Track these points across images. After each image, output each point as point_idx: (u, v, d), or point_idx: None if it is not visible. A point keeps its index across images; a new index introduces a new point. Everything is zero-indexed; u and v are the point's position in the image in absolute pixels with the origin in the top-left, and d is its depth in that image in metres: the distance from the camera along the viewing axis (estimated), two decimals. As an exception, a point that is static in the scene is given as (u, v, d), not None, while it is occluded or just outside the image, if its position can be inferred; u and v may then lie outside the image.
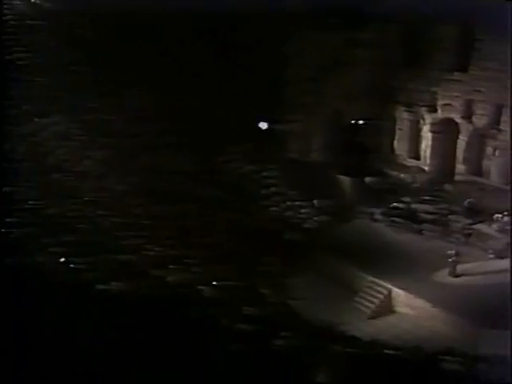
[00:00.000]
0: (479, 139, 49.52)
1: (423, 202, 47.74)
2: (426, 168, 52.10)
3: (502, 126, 47.75)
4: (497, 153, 48.33)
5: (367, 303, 37.48)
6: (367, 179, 50.28)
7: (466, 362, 26.36)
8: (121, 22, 44.48)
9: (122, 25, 44.78)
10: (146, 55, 44.14)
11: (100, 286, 27.11)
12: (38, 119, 43.39)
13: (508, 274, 39.08)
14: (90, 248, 32.21)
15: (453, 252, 39.33)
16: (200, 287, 32.52)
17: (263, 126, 49.84)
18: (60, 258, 29.91)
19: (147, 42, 44.98)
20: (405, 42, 52.52)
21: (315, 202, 46.56)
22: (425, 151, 52.48)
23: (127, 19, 44.44)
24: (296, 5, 47.47)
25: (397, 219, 45.69)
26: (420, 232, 44.54)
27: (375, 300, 37.59)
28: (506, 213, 43.93)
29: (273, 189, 47.11)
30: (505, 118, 47.48)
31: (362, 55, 51.39)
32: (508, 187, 47.28)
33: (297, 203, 46.36)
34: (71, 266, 29.62)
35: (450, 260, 39.11)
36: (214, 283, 33.69)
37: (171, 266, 34.09)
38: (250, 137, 47.65)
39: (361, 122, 53.33)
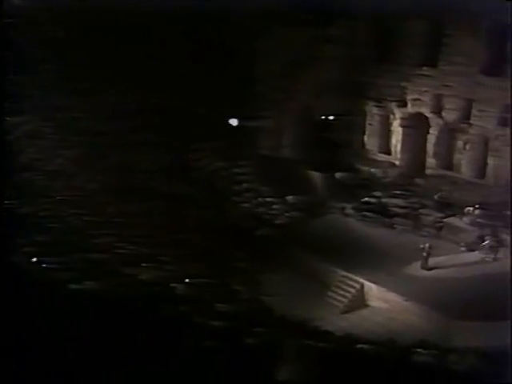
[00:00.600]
0: (449, 133, 49.91)
1: (394, 196, 48.05)
2: (397, 162, 52.41)
3: (472, 120, 48.10)
4: (467, 147, 48.68)
5: (340, 298, 37.57)
6: (338, 174, 50.43)
7: (439, 354, 26.53)
8: (92, 20, 44.19)
9: (92, 22, 44.50)
10: (117, 53, 43.91)
11: (73, 286, 26.98)
12: (9, 118, 43.04)
13: (479, 266, 39.67)
14: (63, 247, 32.01)
15: (425, 245, 39.54)
16: (173, 285, 32.42)
17: (234, 122, 49.78)
18: (32, 257, 29.69)
19: (118, 40, 44.75)
20: (374, 37, 52.73)
21: (287, 197, 46.60)
22: (395, 146, 52.81)
23: (97, 16, 44.17)
24: (266, 1, 47.44)
25: (368, 214, 45.93)
26: (392, 226, 44.81)
27: (348, 294, 37.69)
28: (477, 206, 44.33)
29: (244, 185, 47.08)
30: (475, 112, 47.82)
31: (331, 51, 51.53)
32: (479, 180, 47.77)
33: (268, 199, 46.35)
34: (43, 265, 29.41)
35: (422, 253, 39.32)
36: (187, 281, 33.61)
37: (144, 264, 33.97)
38: (220, 133, 47.58)
39: (331, 117, 53.50)
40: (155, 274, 33.06)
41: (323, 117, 53.21)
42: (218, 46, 45.55)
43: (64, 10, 46.05)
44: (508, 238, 41.49)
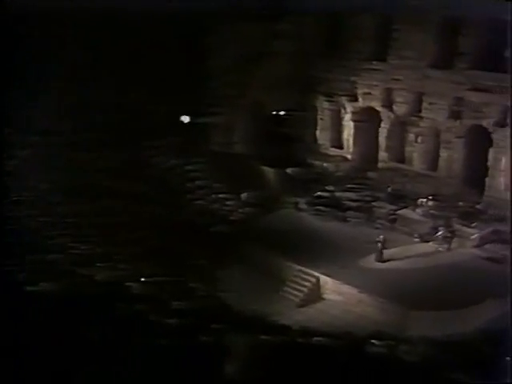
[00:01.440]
0: (401, 127, 50.26)
1: (347, 190, 48.31)
2: (349, 156, 52.71)
3: (423, 113, 48.55)
4: (419, 139, 49.10)
5: (296, 292, 37.62)
6: (291, 169, 50.55)
7: (395, 345, 26.80)
8: (45, 17, 43.66)
9: (45, 19, 43.97)
10: (69, 50, 43.47)
11: (29, 288, 26.82)
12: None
13: (433, 257, 40.13)
14: (18, 249, 31.75)
15: (378, 238, 39.84)
16: (128, 284, 32.33)
17: (186, 119, 49.65)
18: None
19: (70, 38, 44.32)
20: (324, 32, 52.93)
21: (240, 193, 46.63)
22: (347, 140, 53.10)
23: (51, 14, 43.67)
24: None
25: (322, 208, 46.06)
26: (345, 219, 45.01)
27: (303, 288, 37.74)
28: (430, 197, 44.81)
29: (198, 182, 47.00)
30: (425, 105, 48.27)
31: (281, 46, 51.53)
32: (431, 172, 48.27)
33: (222, 196, 46.35)
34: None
35: (377, 245, 39.61)
36: (143, 279, 33.53)
37: (99, 264, 33.83)
38: (173, 130, 47.43)
39: (283, 112, 53.59)
40: (110, 273, 32.97)
41: (275, 112, 53.26)
42: (169, 43, 45.37)
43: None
44: (461, 228, 42.17)
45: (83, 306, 24.83)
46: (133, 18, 43.41)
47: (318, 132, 54.80)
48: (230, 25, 48.31)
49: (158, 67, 45.25)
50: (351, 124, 52.60)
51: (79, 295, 27.34)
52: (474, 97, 45.69)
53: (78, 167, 42.42)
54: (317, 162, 52.58)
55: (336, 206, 46.23)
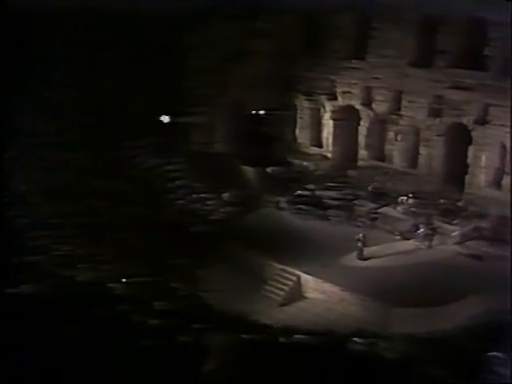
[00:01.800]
0: (380, 125, 50.36)
1: (328, 188, 48.29)
2: (329, 155, 52.78)
3: (402, 112, 48.67)
4: (399, 137, 49.21)
5: (277, 291, 37.62)
6: (271, 168, 50.50)
7: (376, 342, 26.83)
8: (21, 17, 43.39)
9: (21, 20, 43.70)
10: (47, 51, 43.21)
11: (9, 290, 26.64)
12: None
13: (415, 254, 40.24)
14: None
15: (360, 236, 39.90)
16: (110, 285, 32.20)
17: (167, 119, 49.50)
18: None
19: (48, 38, 44.06)
20: (303, 31, 52.95)
21: (221, 193, 46.58)
22: (327, 139, 53.15)
23: (26, 14, 43.41)
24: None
25: (302, 206, 46.08)
26: (326, 218, 45.02)
27: (285, 287, 37.75)
28: (410, 195, 44.93)
29: (179, 182, 46.92)
30: (405, 103, 48.41)
31: (261, 45, 51.45)
32: (411, 170, 48.42)
33: (203, 195, 46.28)
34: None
35: (358, 244, 39.67)
36: (124, 280, 33.42)
37: (80, 265, 33.67)
38: (153, 130, 47.29)
39: (262, 112, 53.51)
40: (92, 274, 32.82)
41: (255, 111, 53.17)
42: (148, 43, 45.22)
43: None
44: (442, 225, 42.38)
45: (65, 308, 24.72)
46: (111, 18, 43.23)
47: (297, 131, 54.83)
48: (209, 24, 48.22)
49: (137, 67, 45.10)
50: (331, 123, 52.65)
51: (61, 297, 27.20)
52: (454, 95, 45.87)
53: (58, 168, 42.18)
54: (297, 161, 52.59)
55: (317, 204, 46.25)
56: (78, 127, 43.89)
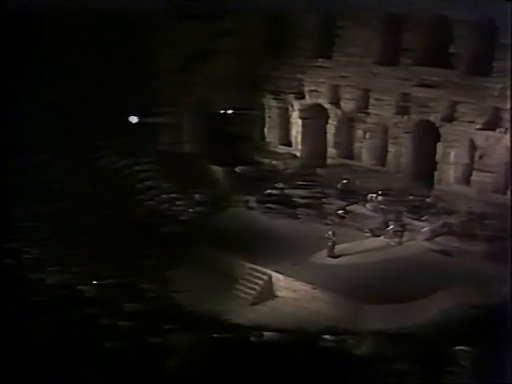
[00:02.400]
0: (348, 123, 50.54)
1: (297, 187, 48.43)
2: (298, 154, 52.89)
3: (370, 110, 48.86)
4: (367, 135, 49.39)
5: (248, 290, 37.63)
6: (240, 168, 50.47)
7: (347, 339, 26.84)
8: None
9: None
10: (16, 51, 42.86)
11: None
12: None
13: (385, 251, 40.42)
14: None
15: (329, 233, 39.99)
16: (80, 287, 31.97)
17: (134, 119, 49.26)
18: None
19: (17, 38, 43.70)
20: (269, 30, 52.97)
21: (190, 193, 46.50)
22: (295, 137, 53.27)
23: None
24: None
25: (272, 205, 46.15)
26: (296, 216, 45.09)
27: (256, 286, 37.77)
28: (379, 192, 45.11)
29: (148, 182, 46.80)
30: (372, 101, 48.61)
31: (226, 45, 51.38)
32: (380, 168, 48.62)
33: (172, 195, 46.20)
34: None
35: (328, 241, 39.74)
36: (94, 282, 33.20)
37: (50, 268, 33.40)
38: (121, 131, 47.05)
39: (230, 111, 53.43)
40: (62, 277, 32.58)
41: (222, 111, 53.07)
42: (113, 43, 44.99)
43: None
44: (411, 221, 42.73)
45: (35, 311, 24.53)
46: (81, 19, 43.05)
47: (266, 130, 54.88)
48: (175, 23, 48.07)
49: (103, 67, 44.85)
50: (299, 121, 52.77)
51: (31, 300, 26.99)
52: (421, 92, 46.17)
53: (25, 170, 41.81)
54: (266, 160, 52.62)
55: (286, 203, 46.35)
56: (45, 128, 43.54)
